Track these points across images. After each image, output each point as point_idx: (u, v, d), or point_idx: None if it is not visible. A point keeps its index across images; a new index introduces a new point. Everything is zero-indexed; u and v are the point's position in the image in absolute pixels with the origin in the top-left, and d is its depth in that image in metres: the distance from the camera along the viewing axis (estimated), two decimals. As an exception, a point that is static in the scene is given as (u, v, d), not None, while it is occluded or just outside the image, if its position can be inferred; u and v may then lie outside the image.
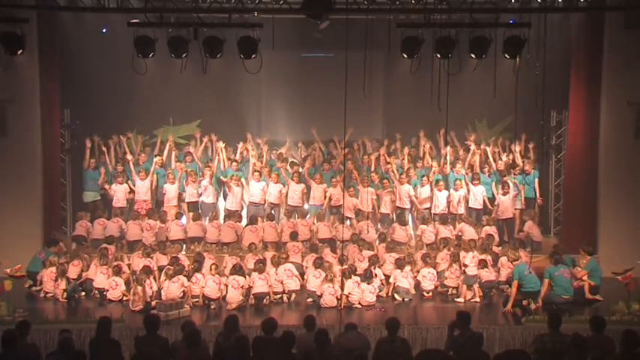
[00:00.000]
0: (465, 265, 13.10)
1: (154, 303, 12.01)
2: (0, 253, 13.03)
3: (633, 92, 14.23)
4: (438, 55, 11.80)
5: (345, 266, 12.79)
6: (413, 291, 13.00)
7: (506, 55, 11.83)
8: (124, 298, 12.49)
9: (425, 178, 15.24)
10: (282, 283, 12.76)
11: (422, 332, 11.19)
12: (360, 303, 12.39)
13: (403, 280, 12.91)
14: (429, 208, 15.21)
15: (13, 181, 14.22)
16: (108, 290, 12.64)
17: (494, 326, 11.39)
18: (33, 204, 14.43)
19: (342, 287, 12.28)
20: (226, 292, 12.41)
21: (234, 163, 15.46)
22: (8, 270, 12.32)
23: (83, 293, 12.98)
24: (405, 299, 12.84)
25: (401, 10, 13.16)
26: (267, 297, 12.53)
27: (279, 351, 8.37)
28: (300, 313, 12.04)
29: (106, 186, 15.30)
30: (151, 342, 8.64)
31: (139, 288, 12.06)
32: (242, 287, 12.39)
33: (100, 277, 12.87)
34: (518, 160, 15.29)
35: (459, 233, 14.51)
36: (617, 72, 14.22)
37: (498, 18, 12.34)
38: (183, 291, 12.27)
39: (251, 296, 12.49)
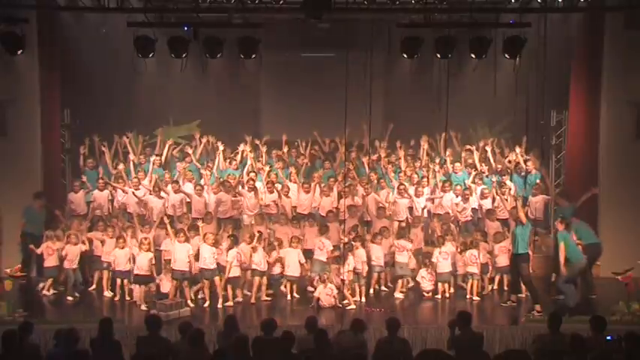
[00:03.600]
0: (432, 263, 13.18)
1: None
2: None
3: (633, 92, 14.22)
4: (438, 55, 11.81)
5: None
6: (413, 265, 13.20)
7: (506, 55, 11.84)
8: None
9: (425, 181, 15.17)
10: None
11: (422, 332, 11.16)
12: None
13: (402, 255, 13.06)
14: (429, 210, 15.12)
15: (13, 181, 14.20)
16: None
17: (494, 326, 11.38)
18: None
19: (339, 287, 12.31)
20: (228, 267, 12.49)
21: (233, 162, 15.35)
22: (8, 270, 12.33)
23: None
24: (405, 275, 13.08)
25: (401, 10, 13.15)
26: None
27: (279, 351, 8.38)
28: (300, 313, 12.05)
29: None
30: (152, 342, 8.64)
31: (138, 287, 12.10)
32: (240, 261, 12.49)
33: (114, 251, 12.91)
34: (520, 160, 15.23)
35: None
36: (617, 72, 14.20)
37: (498, 18, 12.35)
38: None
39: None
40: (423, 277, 13.13)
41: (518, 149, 15.27)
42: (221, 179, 14.75)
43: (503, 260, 13.04)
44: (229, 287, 12.51)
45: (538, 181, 14.81)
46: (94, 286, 13.20)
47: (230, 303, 12.37)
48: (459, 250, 13.26)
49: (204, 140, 15.88)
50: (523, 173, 14.90)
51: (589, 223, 13.38)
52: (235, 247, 12.54)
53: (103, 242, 13.06)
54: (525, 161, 15.00)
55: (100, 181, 14.57)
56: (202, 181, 14.89)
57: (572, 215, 13.27)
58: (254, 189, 14.38)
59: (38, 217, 13.64)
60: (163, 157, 15.49)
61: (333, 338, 8.99)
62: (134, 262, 12.56)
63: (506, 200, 13.76)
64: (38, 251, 13.00)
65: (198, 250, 12.51)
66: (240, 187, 14.56)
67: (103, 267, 13.04)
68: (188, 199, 14.50)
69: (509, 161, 15.45)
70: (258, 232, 12.99)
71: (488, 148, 15.65)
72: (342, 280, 12.47)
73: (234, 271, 12.47)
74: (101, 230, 13.25)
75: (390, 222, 14.12)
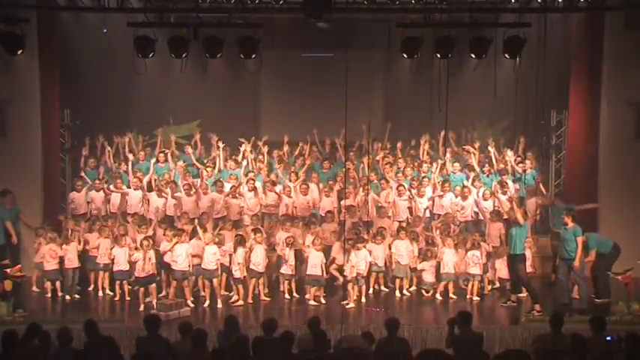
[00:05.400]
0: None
1: (154, 303, 12.06)
2: (-1, 253, 13.03)
3: (633, 92, 14.22)
4: (438, 55, 11.81)
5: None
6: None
7: (506, 55, 11.84)
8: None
9: (426, 180, 15.14)
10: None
11: (422, 332, 11.18)
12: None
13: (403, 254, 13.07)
14: (431, 209, 15.06)
15: (13, 181, 14.19)
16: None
17: (494, 326, 11.39)
18: (33, 204, 14.41)
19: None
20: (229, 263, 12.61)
21: (234, 163, 15.28)
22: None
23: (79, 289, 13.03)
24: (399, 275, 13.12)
25: (401, 10, 13.16)
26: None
27: (279, 351, 8.38)
28: (300, 313, 12.05)
29: (113, 187, 15.09)
30: (151, 342, 8.64)
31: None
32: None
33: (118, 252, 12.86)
34: (512, 163, 15.18)
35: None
36: (617, 72, 14.20)
37: (498, 18, 12.35)
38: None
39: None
40: (426, 270, 13.10)
41: (510, 152, 15.23)
42: (221, 180, 14.74)
43: (506, 273, 13.09)
44: (240, 287, 12.52)
45: (537, 179, 14.79)
46: (92, 286, 13.21)
47: (241, 302, 12.43)
48: (458, 248, 13.23)
49: (214, 143, 15.70)
50: (517, 176, 14.87)
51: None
52: (241, 247, 12.54)
53: (97, 245, 13.04)
54: (518, 163, 14.94)
55: (97, 182, 14.56)
56: (199, 182, 14.85)
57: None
58: (254, 189, 14.38)
59: (10, 214, 13.64)
60: (169, 156, 15.40)
61: (337, 338, 9.01)
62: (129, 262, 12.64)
63: (506, 201, 13.73)
64: (36, 259, 13.05)
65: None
66: (241, 187, 14.55)
67: (99, 268, 13.06)
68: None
69: (506, 160, 15.38)
70: (257, 231, 12.95)
71: (492, 149, 15.61)
72: (345, 277, 12.51)
73: (239, 272, 12.49)
74: (97, 230, 13.26)
75: (390, 222, 14.13)
